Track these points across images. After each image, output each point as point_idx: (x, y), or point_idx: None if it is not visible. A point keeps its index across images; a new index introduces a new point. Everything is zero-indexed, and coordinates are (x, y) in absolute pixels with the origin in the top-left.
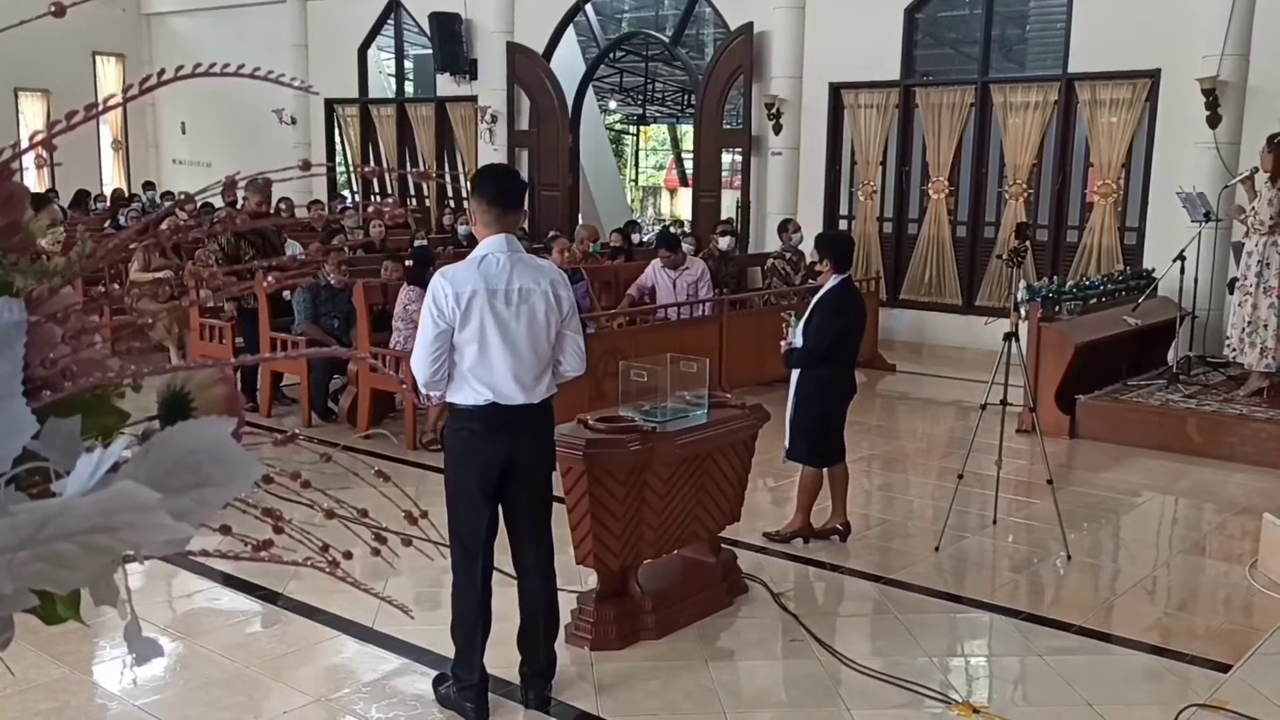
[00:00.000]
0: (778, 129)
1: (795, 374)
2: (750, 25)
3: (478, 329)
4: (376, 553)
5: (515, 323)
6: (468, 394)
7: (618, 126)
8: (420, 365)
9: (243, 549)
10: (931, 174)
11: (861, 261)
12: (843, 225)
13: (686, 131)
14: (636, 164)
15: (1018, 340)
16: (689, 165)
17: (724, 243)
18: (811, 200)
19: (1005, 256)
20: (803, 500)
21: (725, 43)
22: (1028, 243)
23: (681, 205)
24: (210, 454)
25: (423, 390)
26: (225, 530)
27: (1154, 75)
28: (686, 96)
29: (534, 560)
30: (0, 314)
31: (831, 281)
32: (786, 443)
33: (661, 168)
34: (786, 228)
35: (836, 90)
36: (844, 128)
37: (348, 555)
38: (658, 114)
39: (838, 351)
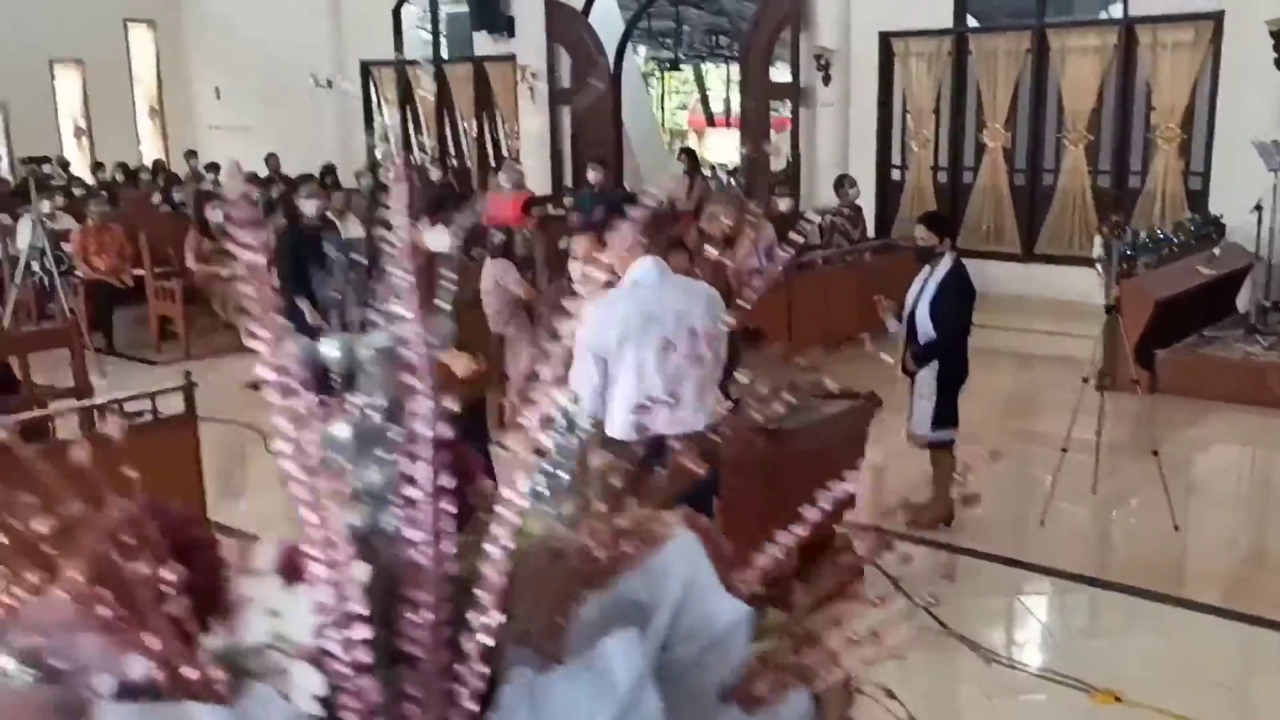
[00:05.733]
0: (827, 80)
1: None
2: None
3: (634, 357)
4: None
5: (671, 347)
6: (625, 425)
7: (644, 71)
8: (580, 395)
9: None
10: (987, 121)
11: (915, 211)
12: (895, 176)
13: (709, 70)
14: (662, 107)
15: (1120, 313)
16: (715, 105)
17: (784, 204)
18: (863, 151)
19: (1108, 230)
20: (947, 482)
21: None
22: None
23: (709, 147)
24: None
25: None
26: None
27: (1217, 17)
28: (714, 38)
29: None
30: None
31: (947, 262)
32: (922, 428)
33: (684, 108)
34: (843, 183)
35: (886, 39)
36: (894, 77)
37: None
38: (685, 56)
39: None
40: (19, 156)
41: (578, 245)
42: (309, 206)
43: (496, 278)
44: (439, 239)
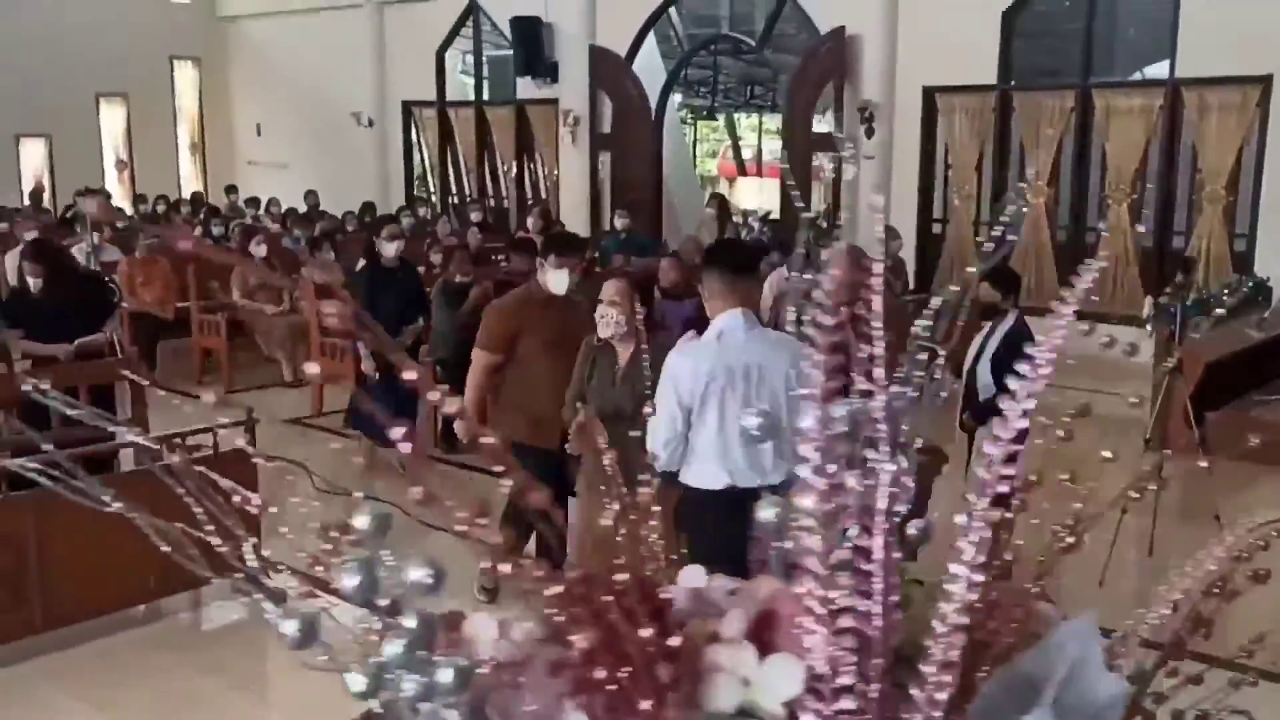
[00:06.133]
0: (870, 132)
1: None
2: (842, 29)
3: (717, 409)
4: None
5: (756, 403)
6: (705, 476)
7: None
8: (656, 443)
9: None
10: (1030, 178)
11: (957, 265)
12: (936, 229)
13: (740, 118)
14: (694, 154)
15: (1181, 373)
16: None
17: (825, 255)
18: (904, 204)
19: (1170, 292)
20: None
21: (815, 46)
22: (1190, 275)
23: (739, 195)
24: None
25: (659, 466)
26: None
27: (1266, 80)
28: (749, 87)
29: None
30: None
31: (1010, 318)
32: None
33: (714, 155)
34: (886, 235)
35: (930, 94)
36: (937, 131)
37: None
38: (719, 105)
39: None
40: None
41: (608, 289)
42: (390, 248)
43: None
44: (560, 280)
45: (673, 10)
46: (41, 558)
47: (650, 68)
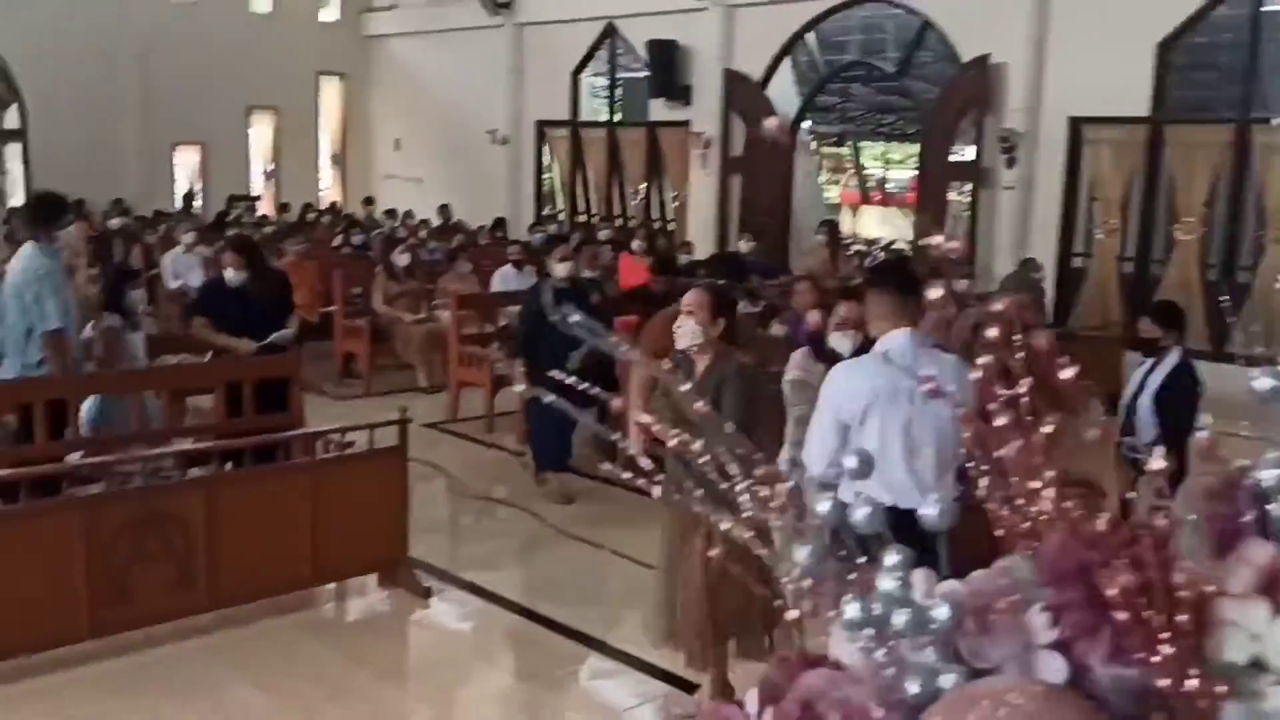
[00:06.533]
0: (1010, 162)
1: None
2: (986, 57)
3: (878, 428)
4: None
5: (919, 423)
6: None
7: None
8: (815, 459)
9: None
10: (1181, 214)
11: (1100, 303)
12: (1077, 263)
13: (865, 147)
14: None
15: None
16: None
17: (961, 285)
18: (1044, 237)
19: None
20: None
21: (958, 74)
22: None
23: (862, 224)
24: None
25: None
26: None
27: None
28: (876, 115)
29: None
30: None
31: (1175, 356)
32: None
33: (836, 183)
34: (1027, 267)
35: (1077, 124)
36: (1081, 163)
37: None
38: (848, 132)
39: None
40: (226, 195)
41: (687, 299)
42: (561, 269)
43: (801, 368)
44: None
45: (810, 36)
46: (209, 539)
47: (783, 92)
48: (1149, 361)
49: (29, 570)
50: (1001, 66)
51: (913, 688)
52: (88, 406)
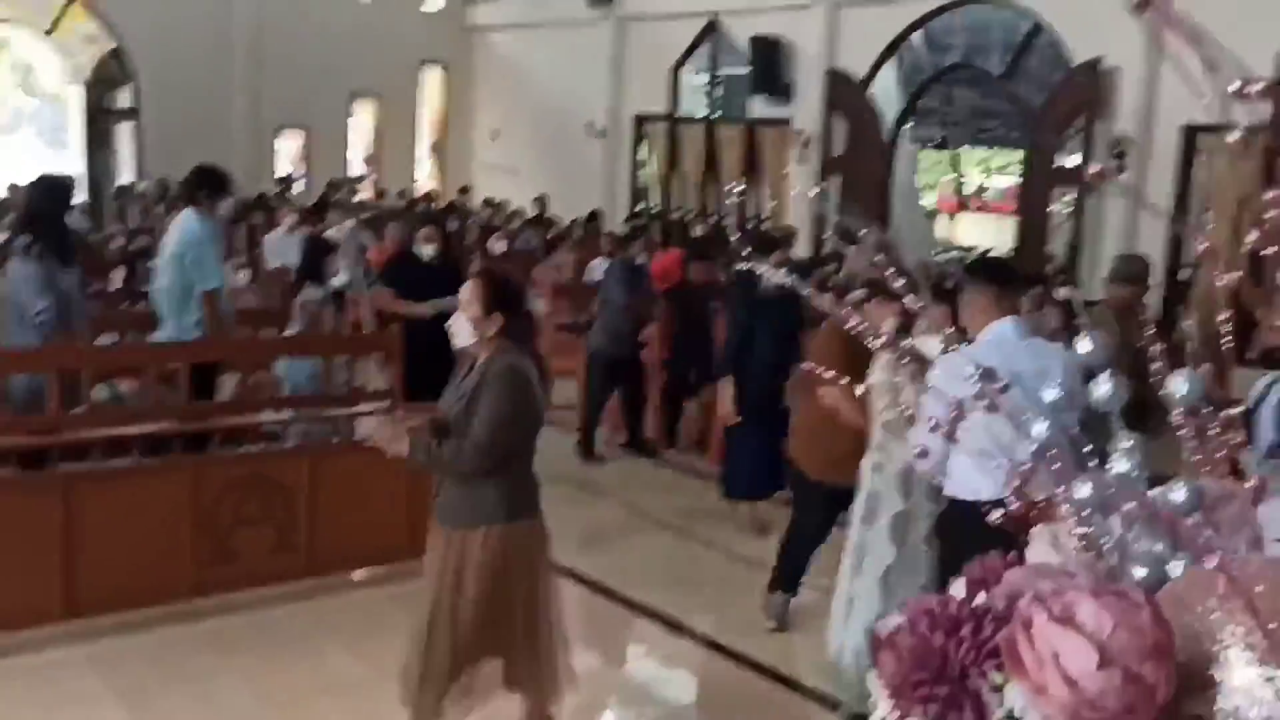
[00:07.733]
0: (1120, 170)
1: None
2: (1097, 60)
3: (984, 417)
4: None
5: (1027, 410)
6: (968, 487)
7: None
8: (917, 448)
9: None
10: None
11: (1204, 313)
12: (1185, 275)
13: (964, 152)
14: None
15: None
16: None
17: (1063, 293)
18: (1151, 247)
19: None
20: None
21: (1067, 77)
22: None
23: (960, 230)
24: None
25: (923, 470)
26: None
27: None
28: (978, 119)
29: None
30: None
31: None
32: None
33: (932, 187)
34: (1130, 263)
35: (1191, 133)
36: (1193, 172)
37: None
38: (948, 136)
39: None
40: (326, 180)
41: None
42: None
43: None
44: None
45: (916, 36)
46: (310, 506)
47: (885, 93)
48: (1272, 374)
49: (143, 527)
50: (1115, 70)
51: (1139, 573)
52: (287, 369)
